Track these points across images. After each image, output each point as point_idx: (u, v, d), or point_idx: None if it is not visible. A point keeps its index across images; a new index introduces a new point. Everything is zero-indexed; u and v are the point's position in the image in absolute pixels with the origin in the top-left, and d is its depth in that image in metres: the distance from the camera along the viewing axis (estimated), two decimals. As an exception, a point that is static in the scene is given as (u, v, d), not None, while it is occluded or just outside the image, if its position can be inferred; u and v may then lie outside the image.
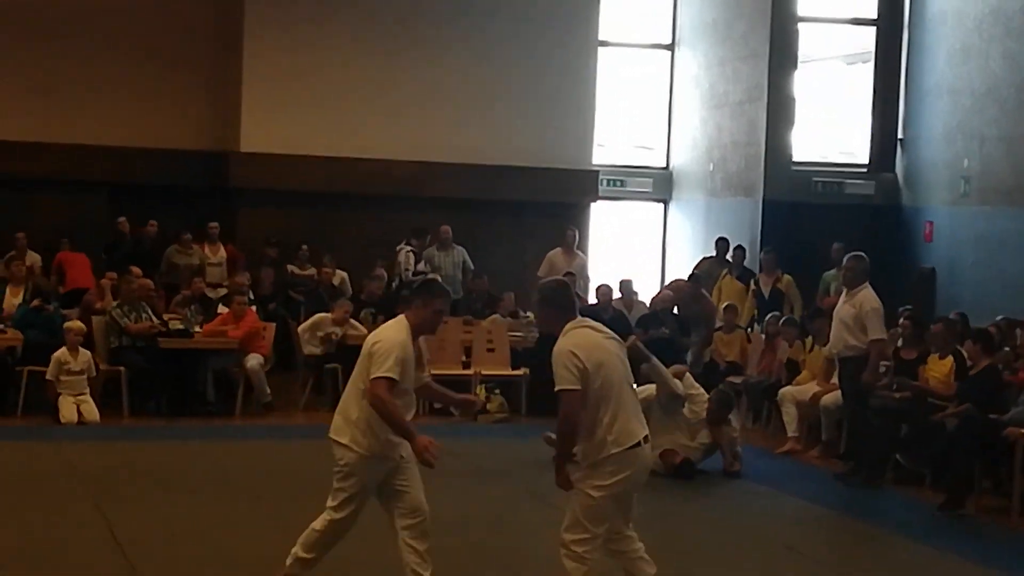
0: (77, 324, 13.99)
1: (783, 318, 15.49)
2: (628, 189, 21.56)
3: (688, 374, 12.32)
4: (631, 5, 21.86)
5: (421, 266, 17.63)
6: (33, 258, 16.84)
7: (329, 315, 15.18)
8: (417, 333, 7.07)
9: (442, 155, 19.11)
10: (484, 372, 15.14)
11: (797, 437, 13.47)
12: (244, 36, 18.66)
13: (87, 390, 13.73)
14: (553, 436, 12.19)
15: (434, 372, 14.57)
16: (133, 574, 8.29)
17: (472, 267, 18.07)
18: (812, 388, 13.54)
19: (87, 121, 18.54)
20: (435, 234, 18.10)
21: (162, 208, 18.21)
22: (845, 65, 21.81)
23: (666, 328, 15.24)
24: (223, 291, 16.68)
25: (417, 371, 7.13)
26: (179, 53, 19.02)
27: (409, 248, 17.78)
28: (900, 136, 20.42)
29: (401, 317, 7.13)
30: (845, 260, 12.14)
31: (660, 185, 21.76)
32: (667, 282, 18.54)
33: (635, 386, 7.11)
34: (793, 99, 19.83)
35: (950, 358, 12.29)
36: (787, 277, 17.47)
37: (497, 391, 14.88)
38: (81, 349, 13.78)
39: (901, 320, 12.88)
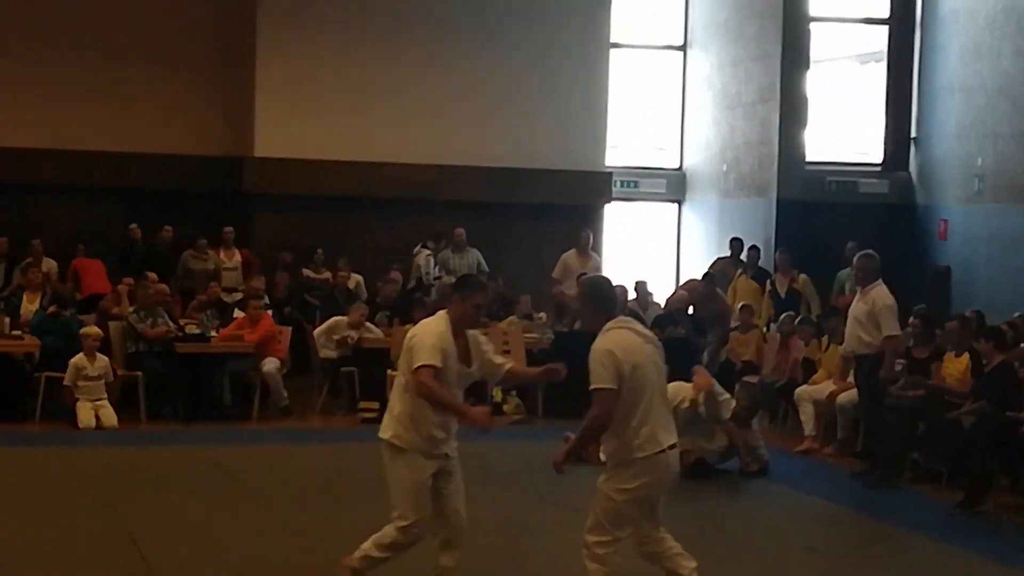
0: (94, 330, 14.04)
1: (799, 317, 15.49)
2: (642, 190, 21.57)
3: (714, 380, 12.27)
4: (643, 7, 21.86)
5: (435, 269, 17.69)
6: (49, 264, 16.89)
7: (345, 318, 15.20)
8: (458, 328, 7.00)
9: (456, 159, 19.12)
10: (500, 374, 15.12)
11: (814, 436, 13.47)
12: (257, 41, 18.69)
13: (105, 395, 13.78)
14: (572, 435, 12.23)
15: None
16: (149, 574, 8.32)
17: (487, 269, 18.11)
18: (828, 387, 13.53)
19: (101, 128, 18.58)
20: (449, 237, 18.16)
21: (177, 213, 18.27)
22: (858, 64, 21.78)
23: (682, 328, 15.26)
24: (239, 295, 16.73)
25: (463, 365, 7.03)
26: (192, 59, 19.07)
27: (428, 251, 17.85)
28: (913, 135, 20.40)
29: (442, 312, 7.09)
30: (855, 259, 12.16)
31: (674, 186, 21.77)
32: (682, 282, 18.56)
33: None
34: (806, 99, 19.82)
35: (966, 356, 12.29)
36: (803, 276, 17.47)
37: (513, 393, 14.90)
38: (98, 354, 13.83)
39: (911, 319, 12.87)
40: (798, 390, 13.89)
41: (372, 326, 15.35)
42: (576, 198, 19.61)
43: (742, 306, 16.15)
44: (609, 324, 6.68)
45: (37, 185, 18.19)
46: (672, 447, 6.67)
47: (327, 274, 17.81)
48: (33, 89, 18.43)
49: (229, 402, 14.62)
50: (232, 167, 18.91)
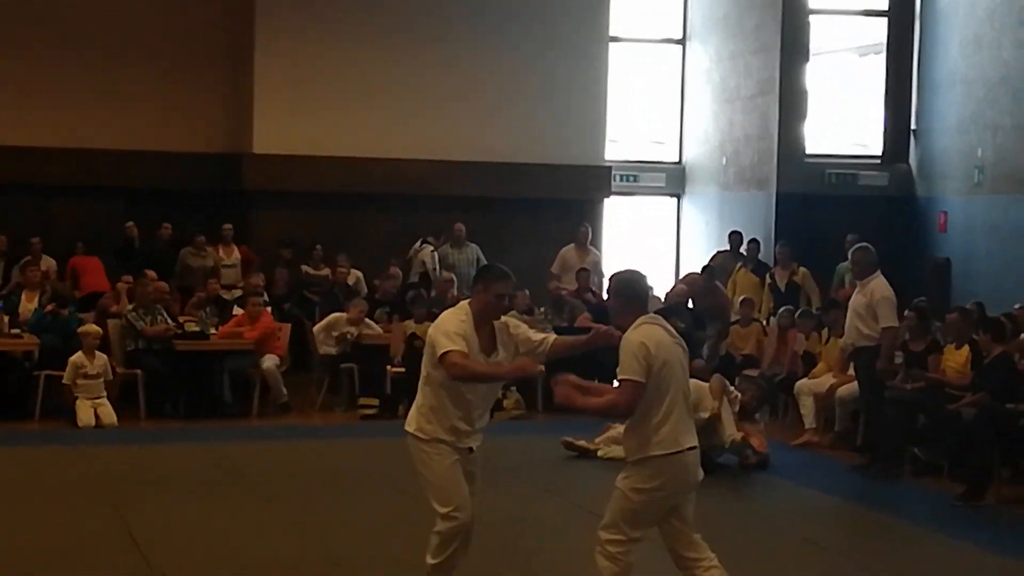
0: (93, 328, 14.03)
1: (799, 311, 15.48)
2: (641, 184, 21.56)
3: (725, 380, 12.23)
4: (642, 1, 21.83)
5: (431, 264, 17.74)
6: (48, 263, 16.88)
7: (344, 315, 15.19)
8: (480, 319, 6.82)
9: (454, 154, 19.12)
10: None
11: (815, 429, 13.46)
12: (256, 38, 18.67)
13: (104, 393, 13.77)
14: (572, 440, 12.20)
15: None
16: (151, 573, 8.31)
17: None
18: (828, 380, 13.54)
19: (99, 126, 18.57)
20: (448, 232, 18.16)
21: (176, 211, 18.24)
22: (857, 57, 21.76)
23: (681, 322, 15.22)
24: (238, 293, 16.72)
25: (484, 356, 6.81)
26: (191, 56, 19.05)
27: (431, 247, 17.86)
28: (913, 127, 20.38)
29: (464, 303, 6.95)
30: (851, 253, 12.15)
31: (673, 180, 21.76)
32: (681, 276, 18.54)
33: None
34: (805, 92, 19.80)
35: (966, 348, 12.30)
36: (803, 270, 17.44)
37: (513, 388, 14.88)
38: (97, 353, 13.82)
39: (906, 312, 12.83)
40: (798, 383, 13.88)
41: (371, 322, 15.34)
42: (576, 193, 19.60)
43: (742, 300, 16.14)
44: (642, 319, 6.57)
45: (35, 184, 18.18)
46: (692, 449, 6.55)
47: (326, 270, 17.80)
48: (31, 88, 18.42)
49: (229, 399, 14.61)
50: (231, 164, 18.90)
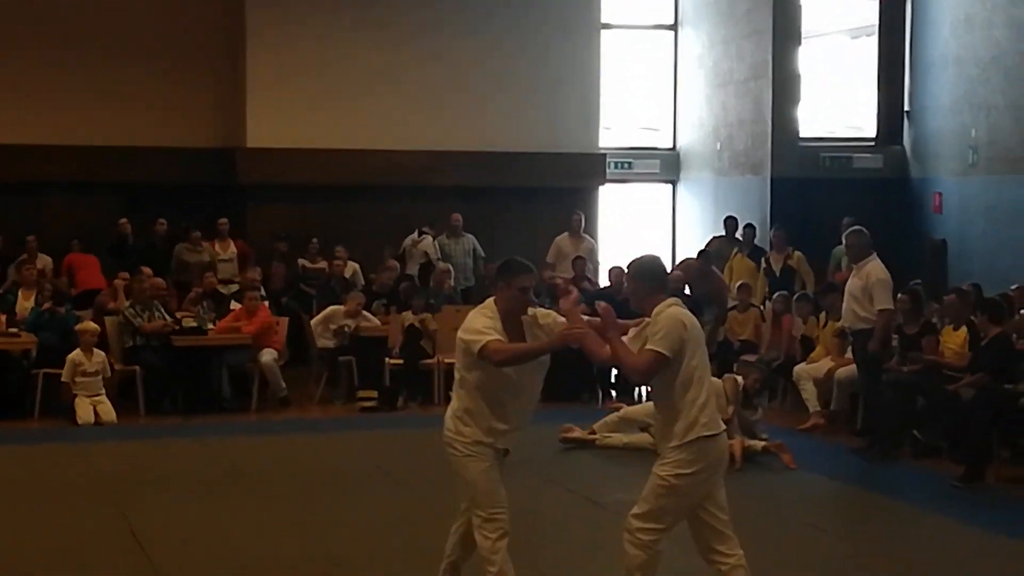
0: (91, 325, 14.02)
1: (796, 295, 15.48)
2: (636, 171, 21.56)
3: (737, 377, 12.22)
4: (633, -13, 21.83)
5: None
6: (44, 261, 16.86)
7: (342, 308, 15.18)
8: (507, 315, 6.72)
9: (449, 144, 19.10)
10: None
11: (821, 412, 13.44)
12: (247, 31, 18.64)
13: (103, 391, 13.77)
14: (570, 436, 12.15)
15: (447, 360, 14.76)
16: (153, 572, 8.31)
17: (483, 254, 18.12)
18: (827, 364, 13.54)
19: (93, 123, 18.53)
20: (444, 222, 18.15)
21: (171, 206, 18.21)
22: (849, 39, 21.74)
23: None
24: (235, 287, 16.70)
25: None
26: (183, 51, 19.00)
27: (432, 237, 17.87)
28: (907, 108, 20.38)
29: (489, 300, 6.85)
30: (845, 237, 12.17)
31: (668, 166, 21.75)
32: (677, 263, 18.54)
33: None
34: (798, 75, 19.79)
35: (964, 329, 12.30)
36: (798, 254, 17.43)
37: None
38: (96, 350, 13.82)
39: (899, 296, 12.84)
40: (796, 368, 13.89)
41: (369, 314, 15.33)
42: (570, 180, 19.59)
43: (740, 285, 16.13)
44: (669, 301, 6.53)
45: (30, 182, 18.15)
46: (723, 432, 6.60)
47: (323, 263, 17.78)
48: (27, 86, 18.36)
49: (227, 394, 14.59)
50: (225, 159, 18.88)
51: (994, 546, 9.19)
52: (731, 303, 16.07)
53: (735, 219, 18.71)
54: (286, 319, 15.63)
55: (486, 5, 19.47)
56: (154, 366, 14.11)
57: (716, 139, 20.84)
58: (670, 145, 21.86)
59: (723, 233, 18.76)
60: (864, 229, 12.00)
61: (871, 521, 10.09)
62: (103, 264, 17.04)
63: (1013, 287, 14.41)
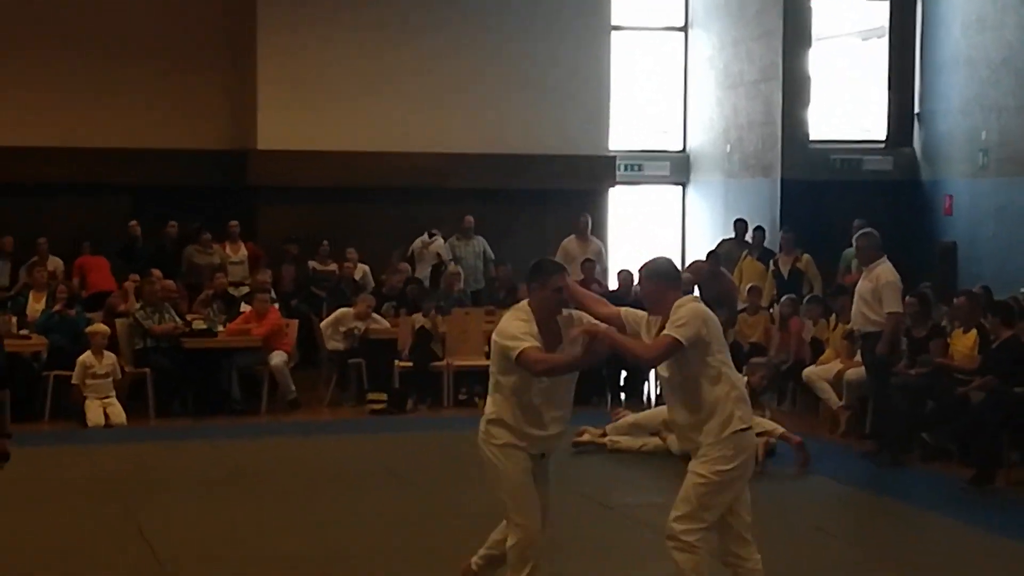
0: (101, 327, 14.05)
1: (807, 297, 15.46)
2: (646, 173, 21.54)
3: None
4: (642, -12, 21.82)
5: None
6: (55, 263, 16.90)
7: (351, 310, 15.19)
8: (542, 317, 6.67)
9: (460, 146, 19.10)
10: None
11: (843, 406, 13.35)
12: (258, 34, 18.66)
13: (113, 393, 13.79)
14: (582, 439, 12.12)
15: (457, 363, 14.76)
16: (162, 573, 8.33)
17: (493, 256, 18.13)
18: (836, 367, 13.53)
19: (103, 125, 18.55)
20: (455, 224, 18.16)
21: (182, 209, 18.24)
22: (860, 41, 21.71)
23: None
24: (245, 289, 16.72)
25: (559, 349, 6.66)
26: (193, 53, 19.02)
27: (443, 239, 17.89)
28: (917, 110, 20.34)
29: (523, 303, 6.82)
30: (855, 239, 12.14)
31: (678, 168, 21.74)
32: (687, 265, 18.52)
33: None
34: (808, 77, 19.76)
35: (974, 332, 12.27)
36: (806, 256, 17.41)
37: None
38: (106, 352, 13.84)
39: (907, 298, 12.80)
40: (806, 371, 13.87)
41: (379, 317, 15.35)
42: (580, 183, 19.57)
43: (750, 288, 16.10)
44: (689, 296, 6.56)
45: (41, 184, 18.18)
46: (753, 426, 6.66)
47: (333, 266, 17.80)
48: (35, 88, 18.39)
49: (237, 397, 14.62)
50: (236, 161, 18.90)
51: (1004, 549, 9.17)
52: (741, 305, 16.05)
53: (745, 221, 18.69)
54: (296, 321, 15.65)
55: (497, 6, 19.47)
56: (164, 368, 14.14)
57: (726, 141, 20.83)
58: (680, 147, 21.84)
59: (733, 235, 18.74)
60: (874, 231, 11.99)
61: (880, 525, 10.08)
62: (112, 266, 17.06)
63: (1022, 289, 14.38)
